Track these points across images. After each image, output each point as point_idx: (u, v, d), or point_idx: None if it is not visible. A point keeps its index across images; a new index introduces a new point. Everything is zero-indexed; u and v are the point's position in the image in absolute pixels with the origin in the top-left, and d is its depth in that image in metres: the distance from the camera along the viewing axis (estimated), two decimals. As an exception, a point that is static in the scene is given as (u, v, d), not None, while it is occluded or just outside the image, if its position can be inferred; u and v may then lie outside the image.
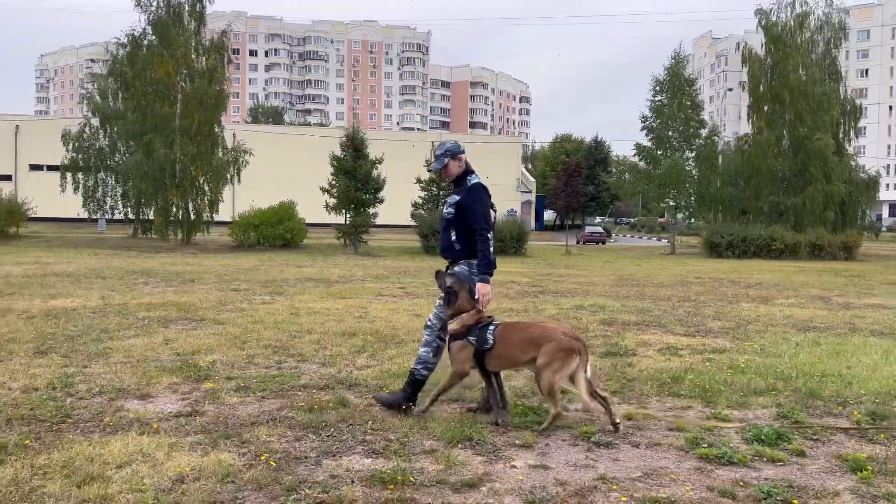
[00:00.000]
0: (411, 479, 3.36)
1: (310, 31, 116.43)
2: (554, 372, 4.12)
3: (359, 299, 11.42)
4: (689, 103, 33.16)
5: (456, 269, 4.60)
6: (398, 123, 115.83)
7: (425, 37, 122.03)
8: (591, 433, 4.15)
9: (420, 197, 31.53)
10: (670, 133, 33.60)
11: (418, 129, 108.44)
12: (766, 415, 4.71)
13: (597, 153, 58.81)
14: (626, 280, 16.57)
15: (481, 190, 4.62)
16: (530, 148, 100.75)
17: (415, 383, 4.59)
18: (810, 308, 10.99)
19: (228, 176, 29.18)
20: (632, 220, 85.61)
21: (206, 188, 28.42)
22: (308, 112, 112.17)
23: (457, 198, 4.63)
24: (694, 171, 32.46)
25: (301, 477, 3.41)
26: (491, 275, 4.52)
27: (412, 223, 31.01)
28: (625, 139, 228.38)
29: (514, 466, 3.61)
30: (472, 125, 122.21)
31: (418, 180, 31.34)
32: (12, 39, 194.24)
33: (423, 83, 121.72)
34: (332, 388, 5.27)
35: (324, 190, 27.05)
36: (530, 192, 62.67)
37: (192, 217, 28.66)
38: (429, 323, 4.66)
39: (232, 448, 3.80)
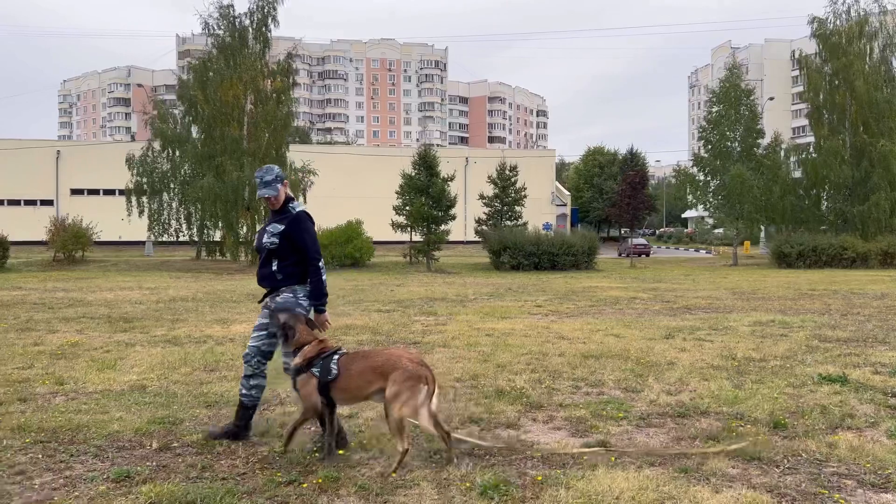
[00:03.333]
0: None
1: (329, 50, 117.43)
2: (402, 404, 3.82)
3: (525, 318, 11.31)
4: (747, 113, 33.07)
5: (279, 298, 4.40)
6: (417, 140, 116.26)
7: (443, 53, 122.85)
8: None
9: (484, 213, 31.49)
10: (729, 144, 33.48)
11: (437, 145, 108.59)
12: None
13: (632, 165, 58.78)
14: (742, 293, 16.36)
15: (308, 219, 4.48)
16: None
17: (241, 406, 4.51)
18: None
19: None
20: (656, 231, 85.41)
21: (276, 209, 28.48)
22: (329, 131, 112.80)
23: (280, 227, 4.40)
24: (755, 182, 32.24)
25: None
26: (324, 304, 4.45)
27: (458, 239, 31.05)
28: (650, 151, 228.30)
29: None
30: (491, 140, 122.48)
31: (481, 196, 31.36)
32: (30, 65, 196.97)
33: (442, 99, 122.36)
34: (685, 415, 5.14)
35: (397, 209, 27.02)
36: (565, 204, 62.61)
37: (262, 238, 28.69)
38: (247, 352, 4.52)
39: (730, 483, 3.66)
